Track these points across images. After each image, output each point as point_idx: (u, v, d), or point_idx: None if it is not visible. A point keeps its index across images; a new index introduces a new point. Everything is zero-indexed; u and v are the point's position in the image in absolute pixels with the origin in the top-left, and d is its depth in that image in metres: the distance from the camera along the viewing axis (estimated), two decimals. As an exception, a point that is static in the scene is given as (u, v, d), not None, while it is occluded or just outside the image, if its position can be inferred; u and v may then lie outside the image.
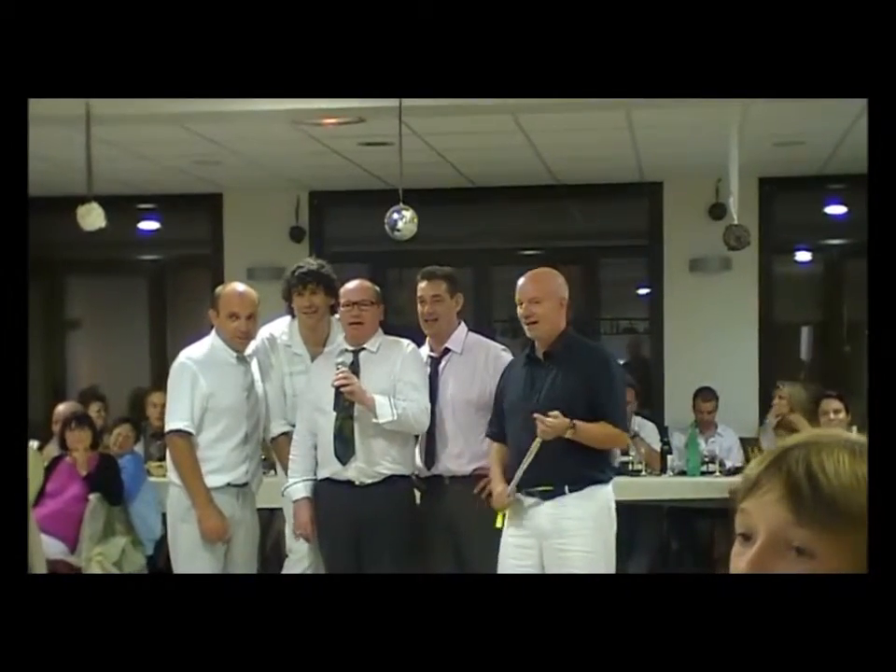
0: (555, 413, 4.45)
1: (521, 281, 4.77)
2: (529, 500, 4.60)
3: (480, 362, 5.02)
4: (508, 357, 5.09)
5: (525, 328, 4.73)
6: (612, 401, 4.60)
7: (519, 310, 4.71)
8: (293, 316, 5.21)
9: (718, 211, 8.27)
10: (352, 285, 5.07)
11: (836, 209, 8.75)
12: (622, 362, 9.22)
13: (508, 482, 4.64)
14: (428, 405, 4.95)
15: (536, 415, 4.45)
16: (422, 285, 5.12)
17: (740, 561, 1.16)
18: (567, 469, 4.51)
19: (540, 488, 4.57)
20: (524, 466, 4.53)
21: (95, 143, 6.05)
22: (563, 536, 4.51)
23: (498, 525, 4.70)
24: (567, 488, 4.54)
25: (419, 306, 5.12)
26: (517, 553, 4.61)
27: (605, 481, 4.64)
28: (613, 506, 4.66)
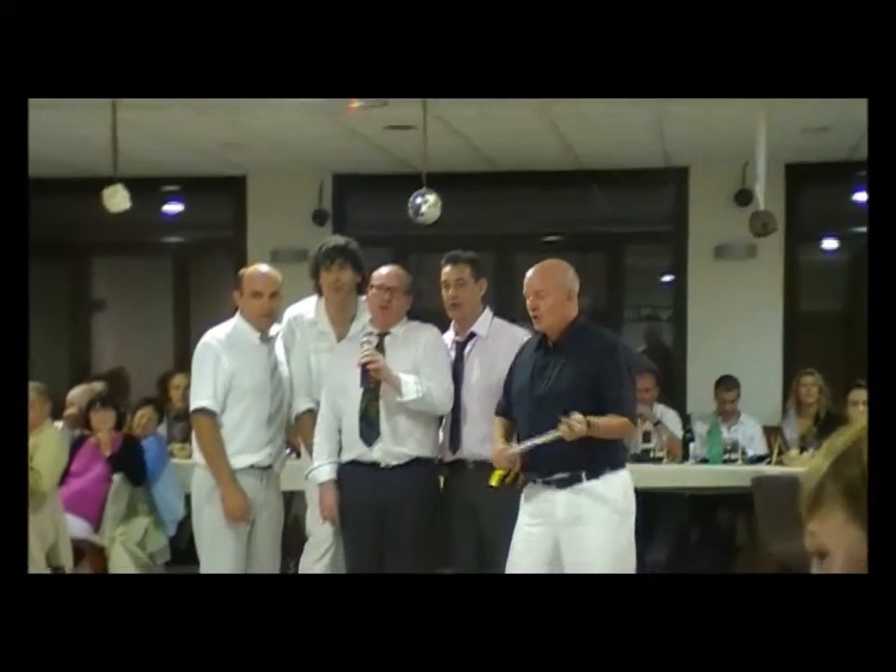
0: (578, 416, 4.35)
1: (528, 273, 4.75)
2: (545, 489, 4.56)
3: (505, 347, 5.00)
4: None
5: (533, 320, 4.71)
6: (617, 391, 4.53)
7: (527, 302, 4.69)
8: (320, 295, 5.21)
9: (744, 197, 8.19)
10: (386, 269, 5.06)
11: (864, 196, 8.67)
12: (642, 349, 9.20)
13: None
14: (452, 387, 4.96)
15: (563, 419, 4.34)
16: (446, 269, 5.12)
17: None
18: (583, 455, 4.45)
19: (557, 476, 4.52)
20: (535, 441, 4.43)
21: (121, 125, 6.07)
22: (580, 523, 4.46)
23: (493, 483, 4.63)
24: (583, 475, 4.50)
25: (443, 290, 5.11)
26: (528, 538, 4.58)
27: (620, 465, 4.60)
28: (631, 490, 4.60)
